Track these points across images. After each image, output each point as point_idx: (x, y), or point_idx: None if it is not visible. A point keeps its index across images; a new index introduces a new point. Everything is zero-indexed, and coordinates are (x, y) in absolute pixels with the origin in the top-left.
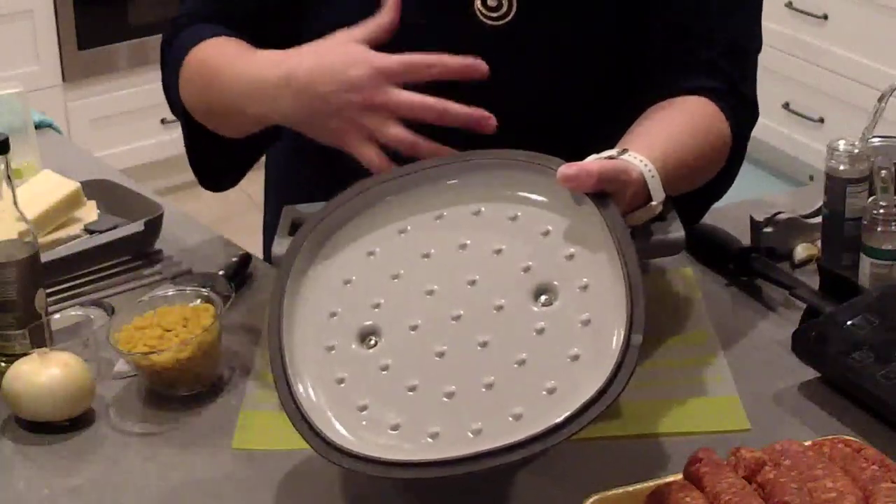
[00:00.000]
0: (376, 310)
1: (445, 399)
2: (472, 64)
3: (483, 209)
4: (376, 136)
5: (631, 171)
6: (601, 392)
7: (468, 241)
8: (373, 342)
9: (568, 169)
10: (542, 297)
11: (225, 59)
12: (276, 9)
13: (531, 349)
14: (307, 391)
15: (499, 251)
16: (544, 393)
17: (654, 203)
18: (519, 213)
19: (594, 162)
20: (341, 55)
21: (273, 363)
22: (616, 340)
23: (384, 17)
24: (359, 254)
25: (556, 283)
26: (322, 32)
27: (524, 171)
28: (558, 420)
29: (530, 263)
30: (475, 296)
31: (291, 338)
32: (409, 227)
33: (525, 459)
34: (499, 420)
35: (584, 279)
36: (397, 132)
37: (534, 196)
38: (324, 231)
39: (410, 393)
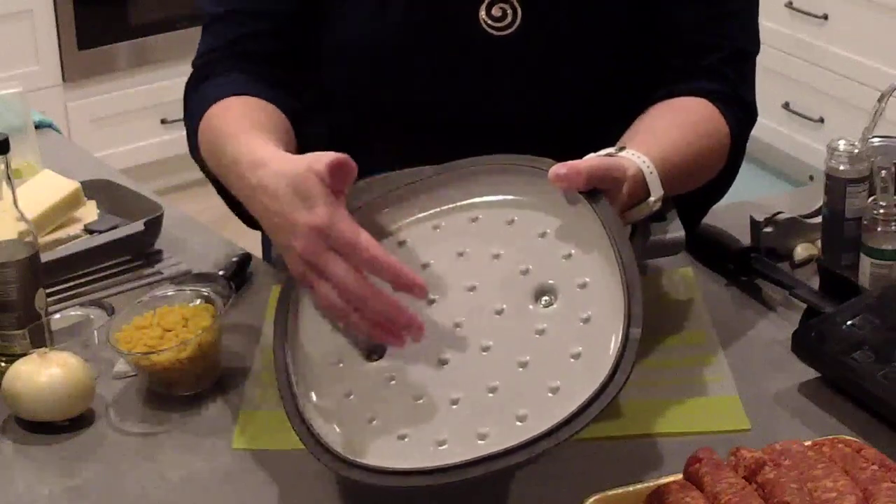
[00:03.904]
0: None
1: (451, 406)
2: (410, 284)
3: (480, 216)
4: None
5: (625, 168)
6: (603, 387)
7: (467, 249)
8: (378, 355)
9: (559, 169)
10: (542, 299)
11: (224, 136)
12: (290, 35)
13: (533, 350)
14: (315, 408)
15: (497, 256)
16: (548, 393)
17: (652, 199)
18: (515, 217)
19: (584, 161)
20: (289, 203)
21: (280, 382)
22: (616, 336)
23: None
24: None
25: (554, 283)
26: (330, 50)
27: (517, 175)
28: (562, 418)
29: (528, 266)
30: (475, 302)
31: (297, 356)
32: (407, 239)
33: (532, 459)
34: (504, 423)
35: (583, 278)
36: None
37: (528, 199)
38: None
39: (416, 402)
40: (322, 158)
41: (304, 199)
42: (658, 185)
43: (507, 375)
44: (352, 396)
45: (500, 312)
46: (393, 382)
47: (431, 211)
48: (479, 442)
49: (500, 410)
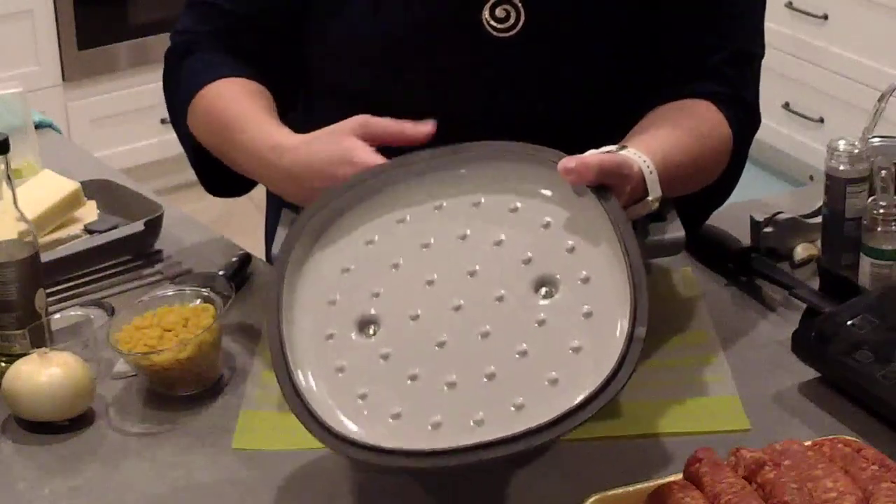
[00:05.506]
0: (375, 299)
1: (447, 389)
2: None
3: (483, 200)
4: None
5: (632, 165)
6: (604, 385)
7: (468, 232)
8: (372, 331)
9: (568, 162)
10: (544, 290)
11: (234, 118)
12: (276, 26)
13: (532, 340)
14: (307, 379)
15: (499, 242)
16: (546, 384)
17: (650, 199)
18: (519, 205)
19: (594, 156)
20: (329, 153)
21: (273, 352)
22: (618, 333)
23: (407, 131)
24: (357, 243)
25: (556, 275)
26: (332, 47)
27: (524, 164)
28: (561, 412)
29: (531, 255)
30: (476, 286)
31: (291, 326)
32: (408, 218)
33: (529, 451)
34: (500, 410)
35: (585, 272)
36: None
37: (534, 188)
38: (322, 220)
39: (411, 382)
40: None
41: (342, 156)
42: (657, 185)
43: (505, 363)
44: (343, 372)
45: (500, 299)
46: (386, 361)
47: (433, 191)
48: (473, 427)
49: (496, 398)
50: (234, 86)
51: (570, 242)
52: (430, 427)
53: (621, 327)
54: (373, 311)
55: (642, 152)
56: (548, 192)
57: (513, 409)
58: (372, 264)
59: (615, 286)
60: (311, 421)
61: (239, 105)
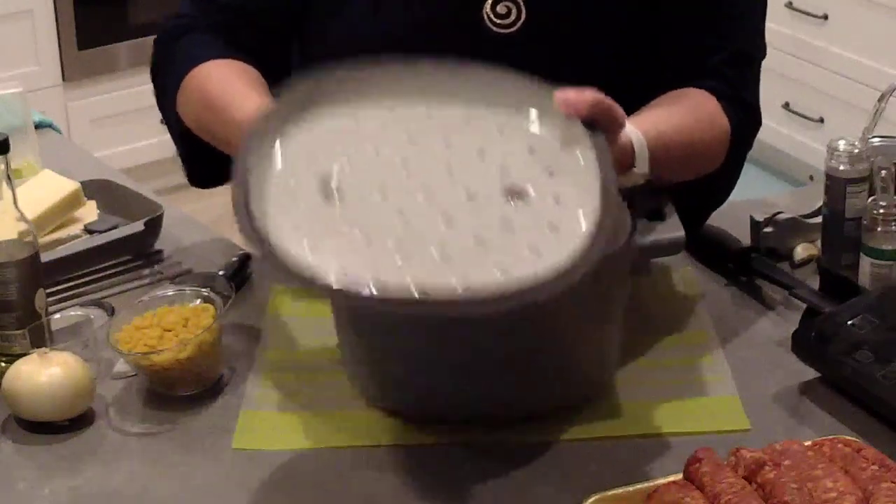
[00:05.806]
0: (346, 169)
1: (400, 259)
2: None
3: (474, 115)
4: None
5: (624, 115)
6: (549, 279)
7: (453, 139)
8: (336, 197)
9: (564, 93)
10: (516, 196)
11: (223, 95)
12: (275, 26)
13: (494, 234)
14: (267, 222)
15: (481, 153)
16: (496, 272)
17: (636, 170)
18: (508, 127)
19: (590, 91)
20: None
21: (236, 197)
22: (580, 244)
23: None
24: (342, 122)
25: (531, 190)
26: (332, 47)
27: (521, 90)
28: (501, 292)
29: (510, 168)
30: (449, 182)
31: (259, 171)
32: (397, 111)
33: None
34: (448, 288)
35: (560, 194)
36: None
37: (527, 113)
38: (311, 92)
39: (367, 247)
40: None
41: None
42: (645, 159)
43: (464, 248)
44: (300, 227)
45: (470, 197)
46: (345, 223)
47: (427, 97)
48: (420, 294)
49: (446, 273)
50: (225, 67)
51: (550, 167)
52: (373, 287)
53: (584, 230)
54: (341, 182)
55: (635, 126)
56: (539, 119)
57: (459, 286)
58: (351, 143)
59: (588, 211)
60: (270, 254)
61: (230, 85)
